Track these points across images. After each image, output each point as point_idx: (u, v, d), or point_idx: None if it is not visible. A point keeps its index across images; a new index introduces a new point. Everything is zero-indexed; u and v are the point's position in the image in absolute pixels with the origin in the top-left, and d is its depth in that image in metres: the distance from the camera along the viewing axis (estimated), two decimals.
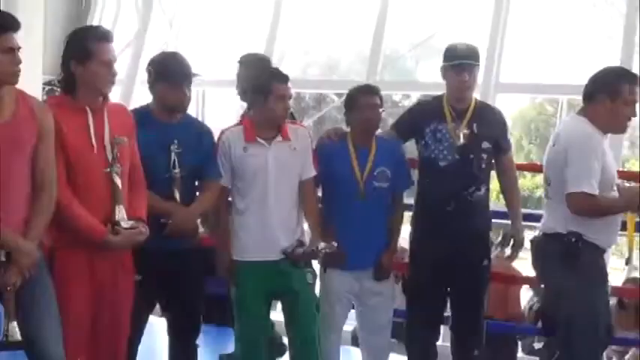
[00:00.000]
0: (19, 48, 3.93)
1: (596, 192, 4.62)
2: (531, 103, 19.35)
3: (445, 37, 9.48)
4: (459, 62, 5.16)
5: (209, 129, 4.93)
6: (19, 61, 3.93)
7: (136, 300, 4.46)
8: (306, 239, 4.98)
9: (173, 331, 4.90)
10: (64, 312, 4.06)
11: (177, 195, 4.65)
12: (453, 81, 5.19)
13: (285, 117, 4.93)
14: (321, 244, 4.84)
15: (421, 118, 5.29)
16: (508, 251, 5.39)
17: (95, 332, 4.29)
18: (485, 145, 5.22)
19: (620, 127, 4.91)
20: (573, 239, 4.73)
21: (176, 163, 4.63)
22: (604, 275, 4.87)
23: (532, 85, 10.84)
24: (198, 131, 4.84)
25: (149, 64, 4.79)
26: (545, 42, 10.78)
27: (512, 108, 17.16)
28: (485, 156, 5.22)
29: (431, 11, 11.08)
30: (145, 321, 4.78)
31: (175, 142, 4.64)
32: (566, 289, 4.80)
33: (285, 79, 4.91)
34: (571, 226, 4.74)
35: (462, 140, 5.18)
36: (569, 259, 4.74)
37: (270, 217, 4.86)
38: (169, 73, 4.70)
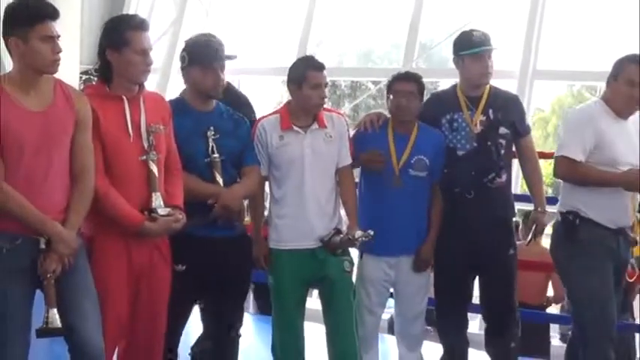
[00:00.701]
0: (59, 36, 3.95)
1: (579, 159, 4.71)
2: (569, 91, 19.21)
3: (481, 24, 9.42)
4: (480, 49, 5.15)
5: (243, 116, 4.90)
6: (59, 50, 3.95)
7: (181, 289, 4.47)
8: (344, 227, 4.97)
9: (216, 320, 4.85)
10: (102, 299, 4.10)
11: (219, 179, 4.59)
12: (475, 69, 5.18)
13: (322, 105, 4.91)
14: (358, 232, 4.83)
15: (436, 110, 5.27)
16: (530, 235, 5.38)
17: (133, 319, 4.32)
18: (503, 130, 5.20)
19: (625, 108, 4.87)
20: (571, 217, 4.80)
21: (214, 148, 4.60)
22: (607, 254, 4.83)
23: (569, 72, 10.78)
24: (234, 118, 4.81)
25: (183, 49, 4.76)
26: (583, 28, 10.70)
27: (549, 95, 17.06)
28: (503, 142, 5.20)
29: None
30: (189, 310, 4.76)
31: (212, 128, 4.61)
32: (565, 267, 4.93)
33: (320, 66, 4.89)
34: (569, 203, 4.84)
35: (478, 128, 5.16)
36: (568, 236, 4.83)
37: (307, 205, 4.84)
38: (203, 56, 4.65)
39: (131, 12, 11.86)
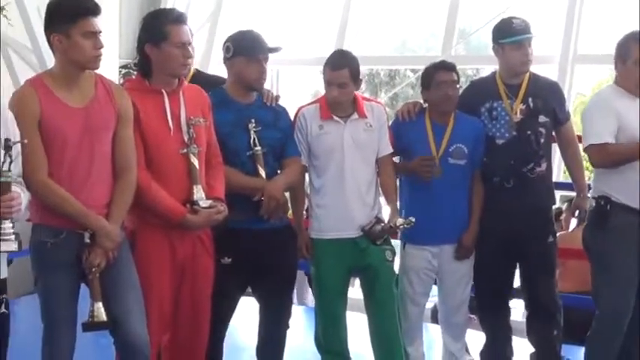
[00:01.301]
0: (100, 32, 3.98)
1: (607, 140, 4.67)
2: (611, 75, 18.98)
3: (520, 9, 9.34)
4: (521, 38, 5.11)
5: (284, 107, 4.89)
6: (101, 46, 3.98)
7: (228, 281, 4.50)
8: (384, 215, 4.96)
9: (264, 311, 4.84)
10: (146, 292, 4.13)
11: (262, 172, 4.59)
12: (516, 57, 5.14)
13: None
14: (399, 220, 4.82)
15: (475, 99, 5.24)
16: (574, 222, 5.35)
17: (177, 312, 4.35)
18: (542, 118, 5.16)
19: (635, 88, 4.82)
20: (602, 202, 4.76)
21: (256, 140, 4.59)
22: (637, 241, 4.76)
23: (611, 55, 10.63)
24: (274, 109, 4.80)
25: (227, 40, 4.73)
26: (624, 11, 10.56)
27: (591, 80, 16.88)
28: (543, 130, 5.16)
29: None
30: (235, 302, 4.75)
31: (253, 120, 4.60)
32: (595, 252, 4.91)
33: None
34: (600, 188, 4.81)
35: (518, 116, 5.13)
36: (598, 222, 4.81)
37: (347, 194, 4.84)
38: (249, 47, 4.64)
39: (169, 5, 11.90)
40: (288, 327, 4.86)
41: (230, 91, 4.72)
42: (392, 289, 4.91)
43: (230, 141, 4.57)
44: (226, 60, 4.71)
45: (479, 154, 5.12)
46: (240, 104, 4.68)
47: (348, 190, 4.84)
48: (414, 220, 4.79)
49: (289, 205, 4.85)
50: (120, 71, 11.25)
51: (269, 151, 4.66)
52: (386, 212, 4.99)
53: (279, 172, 4.76)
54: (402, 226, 4.82)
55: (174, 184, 4.24)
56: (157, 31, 4.25)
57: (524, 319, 5.43)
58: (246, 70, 4.63)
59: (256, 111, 4.68)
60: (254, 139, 4.59)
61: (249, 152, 4.60)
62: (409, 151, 5.10)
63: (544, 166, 5.17)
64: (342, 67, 4.78)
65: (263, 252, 4.60)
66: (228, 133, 4.57)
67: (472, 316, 5.53)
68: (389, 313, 4.88)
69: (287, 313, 4.86)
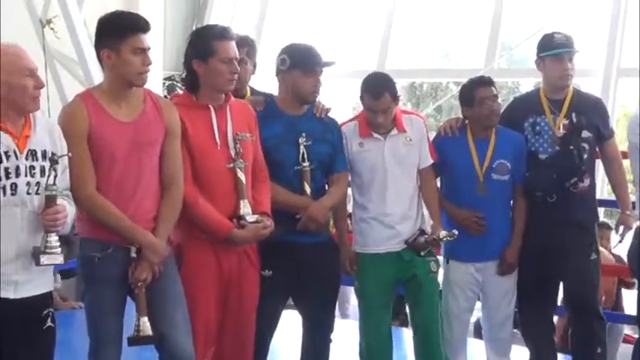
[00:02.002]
0: (149, 48, 4.01)
1: None
2: None
3: (563, 22, 9.31)
4: (560, 51, 5.09)
5: (334, 120, 4.86)
6: (150, 62, 4.01)
7: (269, 294, 4.51)
8: (427, 227, 4.97)
9: (306, 325, 4.83)
10: (192, 307, 4.14)
11: (307, 189, 4.58)
12: (555, 71, 5.13)
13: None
14: (442, 232, 4.81)
15: (519, 113, 5.23)
16: (617, 239, 5.31)
17: (223, 326, 4.36)
18: (586, 134, 5.13)
19: None
20: None
21: (305, 156, 4.58)
22: None
23: None
24: (324, 122, 4.77)
25: (282, 52, 4.70)
26: None
27: (635, 93, 16.75)
28: (586, 146, 5.12)
29: None
30: (278, 316, 4.74)
31: (303, 134, 4.59)
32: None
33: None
34: None
35: (561, 131, 5.10)
36: None
37: (390, 209, 4.84)
38: (306, 60, 4.63)
39: (212, 19, 11.98)
40: (330, 341, 4.85)
41: (280, 103, 4.71)
42: (436, 301, 4.91)
43: (276, 154, 4.57)
44: (280, 72, 4.69)
45: (521, 169, 5.10)
46: (289, 116, 4.66)
47: (391, 205, 4.84)
48: (456, 232, 4.78)
49: (331, 220, 4.85)
50: (164, 83, 11.35)
51: (318, 165, 4.64)
52: (426, 223, 5.01)
53: (326, 187, 4.76)
54: (445, 239, 4.81)
55: (221, 199, 4.26)
56: (205, 47, 4.27)
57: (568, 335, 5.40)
58: (302, 83, 4.61)
59: (306, 123, 4.67)
60: (303, 153, 4.58)
61: (297, 167, 4.59)
62: (452, 167, 5.09)
63: (587, 181, 5.13)
64: (382, 94, 4.75)
65: (305, 266, 4.60)
66: (275, 146, 4.57)
67: (516, 330, 5.51)
68: (433, 325, 4.87)
69: (330, 327, 4.85)
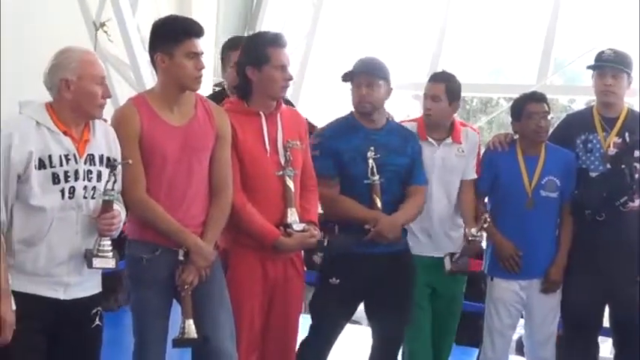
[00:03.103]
0: (202, 53, 4.04)
1: None
2: None
3: (618, 40, 9.22)
4: (602, 64, 5.08)
5: (414, 133, 4.85)
6: (203, 67, 4.04)
7: (335, 304, 4.53)
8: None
9: (375, 337, 4.80)
10: (237, 312, 4.17)
11: (377, 202, 4.57)
12: (597, 85, 5.12)
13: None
14: (473, 230, 4.84)
15: (572, 129, 5.20)
16: None
17: (266, 332, 4.38)
18: (638, 153, 5.08)
19: None
20: None
21: (374, 169, 4.55)
22: None
23: None
24: (403, 134, 4.76)
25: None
26: None
27: None
28: (638, 165, 5.07)
29: (602, 16, 10.82)
30: (341, 327, 4.73)
31: (372, 148, 4.56)
32: None
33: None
34: None
35: (612, 149, 5.06)
36: None
37: (434, 215, 4.91)
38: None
39: (264, 26, 12.02)
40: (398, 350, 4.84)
41: (357, 117, 4.71)
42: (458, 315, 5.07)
43: (351, 168, 4.58)
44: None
45: (570, 186, 5.07)
46: (367, 130, 4.66)
47: (432, 211, 4.89)
48: (487, 216, 4.81)
49: None
50: (214, 89, 11.38)
51: (392, 177, 4.62)
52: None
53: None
54: (478, 235, 4.85)
55: (269, 206, 4.28)
56: (259, 54, 4.29)
57: (612, 357, 5.34)
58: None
59: (384, 137, 4.66)
60: (372, 167, 4.55)
61: (366, 181, 4.57)
62: (501, 182, 5.08)
63: (637, 201, 5.07)
64: (439, 80, 4.88)
65: (377, 277, 4.58)
66: (351, 159, 4.57)
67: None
68: (450, 339, 5.05)
69: (398, 342, 4.82)
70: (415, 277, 4.76)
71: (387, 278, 4.59)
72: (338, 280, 4.56)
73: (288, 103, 4.86)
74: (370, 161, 4.55)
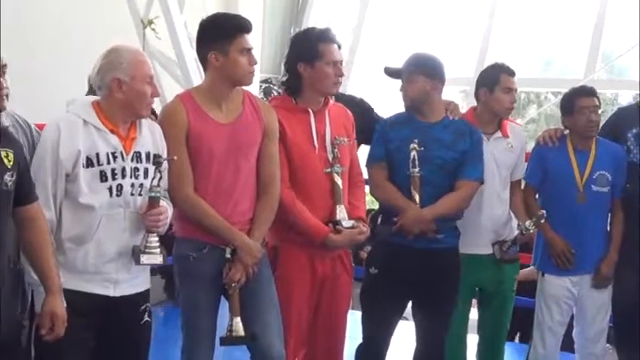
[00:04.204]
0: (252, 48, 4.05)
1: None
2: None
3: None
4: None
5: (473, 129, 4.74)
6: (255, 62, 4.05)
7: (377, 295, 4.52)
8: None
9: (421, 334, 4.76)
10: (285, 309, 4.16)
11: (415, 195, 4.52)
12: None
13: (512, 110, 4.95)
14: (527, 222, 4.80)
15: (623, 123, 5.15)
16: None
17: (314, 329, 4.38)
18: None
19: None
20: None
21: (416, 162, 4.52)
22: None
23: None
24: (459, 129, 4.67)
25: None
26: None
27: None
28: None
29: None
30: (394, 323, 4.70)
31: (416, 141, 4.51)
32: None
33: (512, 72, 4.93)
34: None
35: None
36: None
37: (483, 211, 4.86)
38: (442, 73, 4.68)
39: (310, 22, 12.03)
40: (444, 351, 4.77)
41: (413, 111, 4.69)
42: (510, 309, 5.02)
43: (395, 157, 4.56)
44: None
45: (620, 181, 5.01)
46: (421, 123, 4.62)
47: (483, 207, 4.85)
48: (544, 212, 4.78)
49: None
50: (260, 86, 11.43)
51: (436, 170, 4.55)
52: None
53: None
54: (531, 227, 4.81)
55: (317, 203, 4.27)
56: (311, 50, 4.28)
57: None
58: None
59: (438, 131, 4.61)
60: (413, 159, 4.51)
61: (407, 172, 4.54)
62: (552, 177, 5.03)
63: None
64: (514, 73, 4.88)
65: (417, 272, 4.53)
66: (397, 148, 4.55)
67: (609, 345, 5.40)
68: (502, 333, 4.99)
69: (440, 339, 4.72)
70: (459, 277, 4.70)
71: (428, 276, 4.53)
72: (376, 271, 4.55)
73: (344, 97, 4.85)
74: (412, 153, 4.50)
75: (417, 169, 4.51)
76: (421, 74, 4.60)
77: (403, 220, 4.50)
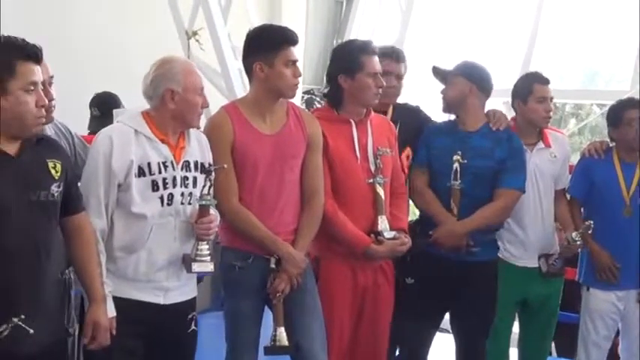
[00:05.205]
0: (297, 61, 4.09)
1: None
2: None
3: None
4: None
5: (512, 136, 4.73)
6: (299, 74, 4.09)
7: (420, 311, 4.53)
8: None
9: (459, 346, 4.78)
10: (327, 319, 4.17)
11: (453, 207, 4.56)
12: None
13: (547, 119, 4.88)
14: (574, 233, 4.78)
15: None
16: None
17: (356, 340, 4.37)
18: None
19: None
20: None
21: (458, 174, 4.54)
22: None
23: None
24: (497, 137, 4.67)
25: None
26: None
27: None
28: None
29: None
30: (432, 333, 4.73)
31: (459, 152, 4.55)
32: None
33: (546, 80, 4.89)
34: None
35: None
36: None
37: (528, 223, 4.82)
38: (490, 85, 4.71)
39: (353, 33, 12.02)
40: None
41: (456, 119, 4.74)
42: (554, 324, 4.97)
43: (435, 165, 4.60)
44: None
45: None
46: (460, 132, 4.65)
47: (528, 219, 4.82)
48: (591, 222, 4.73)
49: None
50: (302, 97, 11.45)
51: (473, 179, 4.55)
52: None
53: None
54: (577, 239, 4.77)
55: (359, 214, 4.27)
56: (351, 62, 4.30)
57: None
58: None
59: (476, 139, 4.63)
60: (456, 170, 4.53)
61: (448, 184, 4.55)
62: (597, 190, 4.98)
63: None
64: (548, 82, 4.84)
65: (453, 284, 4.55)
66: (437, 156, 4.59)
67: None
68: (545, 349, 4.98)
69: (479, 354, 4.75)
70: (496, 290, 4.69)
71: (463, 288, 4.55)
72: (413, 280, 4.55)
73: (398, 107, 4.85)
74: (455, 165, 4.52)
75: (458, 182, 4.53)
76: (461, 76, 4.64)
77: (437, 234, 4.54)
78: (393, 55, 4.73)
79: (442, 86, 4.77)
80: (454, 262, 4.53)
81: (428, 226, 4.59)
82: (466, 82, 4.64)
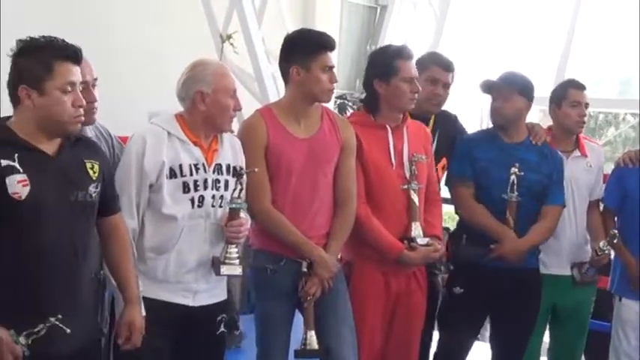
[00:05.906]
0: (334, 66, 4.09)
1: None
2: None
3: None
4: None
5: (555, 151, 4.74)
6: (336, 80, 4.09)
7: (467, 319, 4.54)
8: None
9: (499, 354, 4.77)
10: (359, 324, 4.16)
11: (510, 220, 4.54)
12: None
13: (581, 124, 4.88)
14: (601, 243, 4.74)
15: None
16: None
17: (387, 345, 4.37)
18: None
19: None
20: None
21: (515, 186, 4.51)
22: None
23: None
24: (542, 151, 4.69)
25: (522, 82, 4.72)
26: None
27: None
28: None
29: None
30: (472, 342, 4.73)
31: (516, 164, 4.52)
32: None
33: (580, 86, 4.90)
34: None
35: None
36: None
37: (562, 232, 4.81)
38: (533, 92, 4.69)
39: (387, 39, 12.04)
40: None
41: (497, 129, 4.71)
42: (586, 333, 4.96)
43: (484, 179, 4.57)
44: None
45: None
46: (505, 143, 4.64)
47: (563, 228, 4.80)
48: (616, 231, 4.71)
49: None
50: (335, 102, 11.47)
51: (524, 193, 4.54)
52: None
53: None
54: (605, 248, 4.75)
55: (393, 220, 4.27)
56: (386, 67, 4.30)
57: None
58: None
59: (523, 152, 4.63)
60: (513, 183, 4.51)
61: (504, 196, 4.52)
62: (631, 200, 4.92)
63: None
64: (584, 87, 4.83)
65: (499, 294, 4.54)
66: (485, 169, 4.57)
67: None
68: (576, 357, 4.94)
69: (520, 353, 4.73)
70: (540, 298, 4.69)
71: (511, 296, 4.54)
72: (462, 290, 4.55)
73: (439, 115, 4.83)
74: (512, 177, 4.50)
75: (515, 194, 4.50)
76: (519, 93, 4.62)
77: (502, 250, 4.51)
78: (443, 64, 4.71)
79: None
80: (503, 270, 4.52)
81: (476, 237, 4.56)
82: (524, 100, 4.64)
